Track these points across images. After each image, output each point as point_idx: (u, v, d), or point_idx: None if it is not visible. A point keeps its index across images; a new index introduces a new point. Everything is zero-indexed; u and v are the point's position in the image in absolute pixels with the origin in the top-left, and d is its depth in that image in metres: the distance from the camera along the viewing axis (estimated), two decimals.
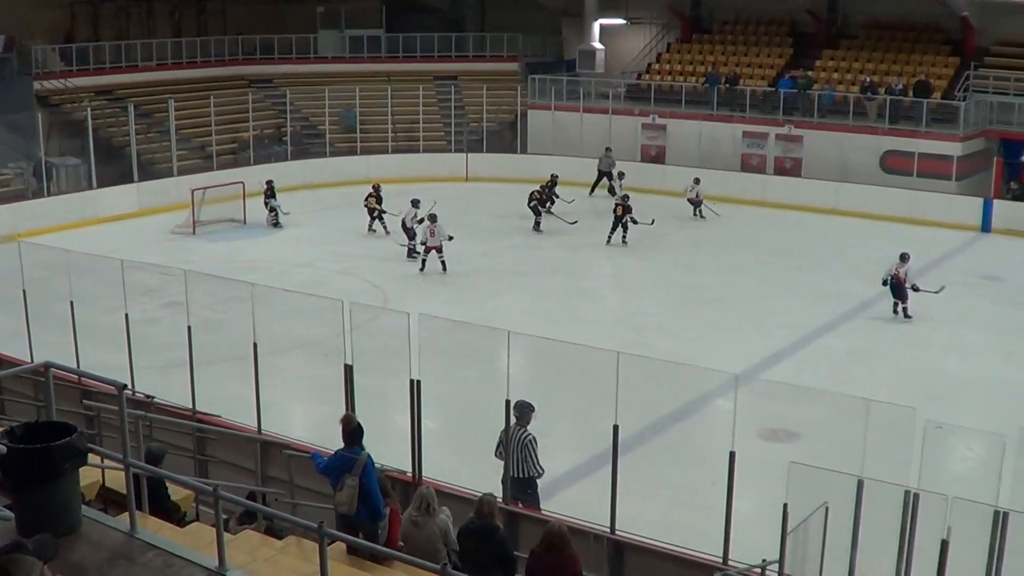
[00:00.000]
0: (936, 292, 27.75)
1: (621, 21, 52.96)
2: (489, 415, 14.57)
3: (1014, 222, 38.38)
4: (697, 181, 38.89)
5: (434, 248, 31.08)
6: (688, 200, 38.93)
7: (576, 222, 36.91)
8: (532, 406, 14.74)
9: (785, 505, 11.39)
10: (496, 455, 14.76)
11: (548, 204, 37.85)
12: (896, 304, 27.71)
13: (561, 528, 10.76)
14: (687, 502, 17.09)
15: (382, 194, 36.09)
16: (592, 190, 43.15)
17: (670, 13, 52.29)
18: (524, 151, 47.26)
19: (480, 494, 11.57)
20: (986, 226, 38.77)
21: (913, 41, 46.89)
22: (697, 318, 27.62)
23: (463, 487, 13.88)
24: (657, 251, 34.77)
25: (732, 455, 12.35)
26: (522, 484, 14.76)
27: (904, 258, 27.61)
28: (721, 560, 12.66)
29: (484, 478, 14.09)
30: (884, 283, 27.73)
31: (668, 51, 51.54)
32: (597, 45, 50.96)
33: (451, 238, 31.21)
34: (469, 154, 46.10)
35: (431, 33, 52.97)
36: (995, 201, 39.24)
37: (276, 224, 36.43)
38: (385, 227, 35.49)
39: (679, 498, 17.42)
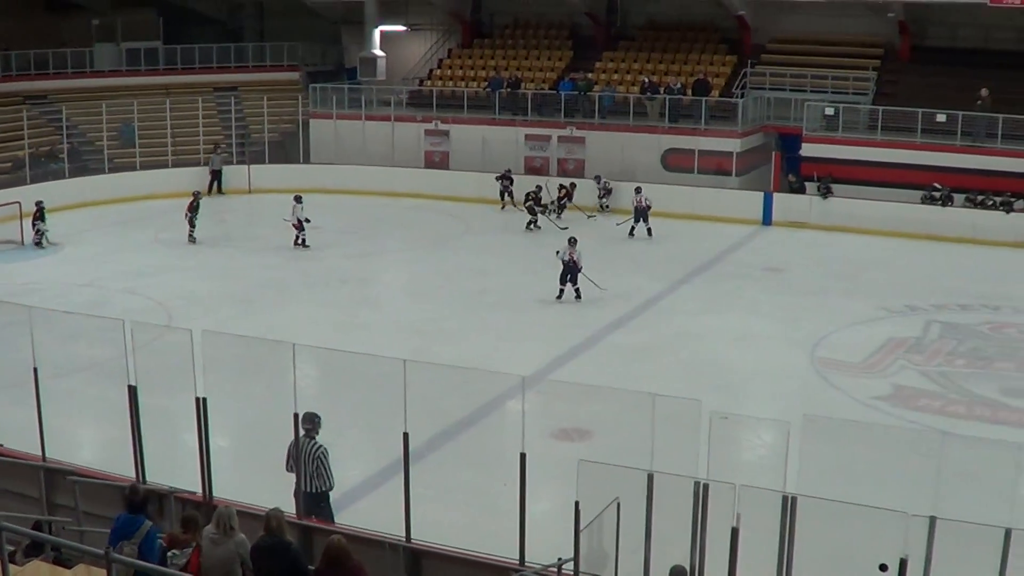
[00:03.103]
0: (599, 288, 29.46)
1: (402, 28, 52.88)
2: (279, 430, 14.37)
3: (793, 214, 39.50)
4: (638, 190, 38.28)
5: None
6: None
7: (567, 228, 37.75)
8: (319, 416, 14.67)
9: (577, 503, 11.49)
10: (287, 469, 14.63)
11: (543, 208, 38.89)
12: (562, 291, 29.00)
13: (340, 542, 10.66)
14: (482, 506, 17.05)
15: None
16: (209, 190, 42.94)
17: (450, 19, 52.44)
18: (307, 161, 46.88)
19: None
20: (767, 219, 39.77)
21: (691, 41, 47.91)
22: (486, 322, 27.63)
23: (257, 504, 13.70)
24: (443, 257, 34.79)
25: (523, 456, 12.38)
26: (315, 498, 14.64)
27: (572, 242, 29.04)
28: (518, 562, 12.73)
29: (277, 494, 13.85)
30: (557, 252, 29.15)
31: (449, 57, 51.59)
32: (378, 52, 50.75)
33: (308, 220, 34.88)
34: (251, 166, 45.44)
35: (210, 44, 52.17)
36: (775, 195, 40.32)
37: (39, 244, 35.41)
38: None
39: (474, 502, 17.38)
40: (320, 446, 14.53)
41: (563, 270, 28.77)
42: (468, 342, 25.69)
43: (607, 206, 40.33)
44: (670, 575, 10.96)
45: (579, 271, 28.81)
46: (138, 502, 11.75)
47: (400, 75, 51.60)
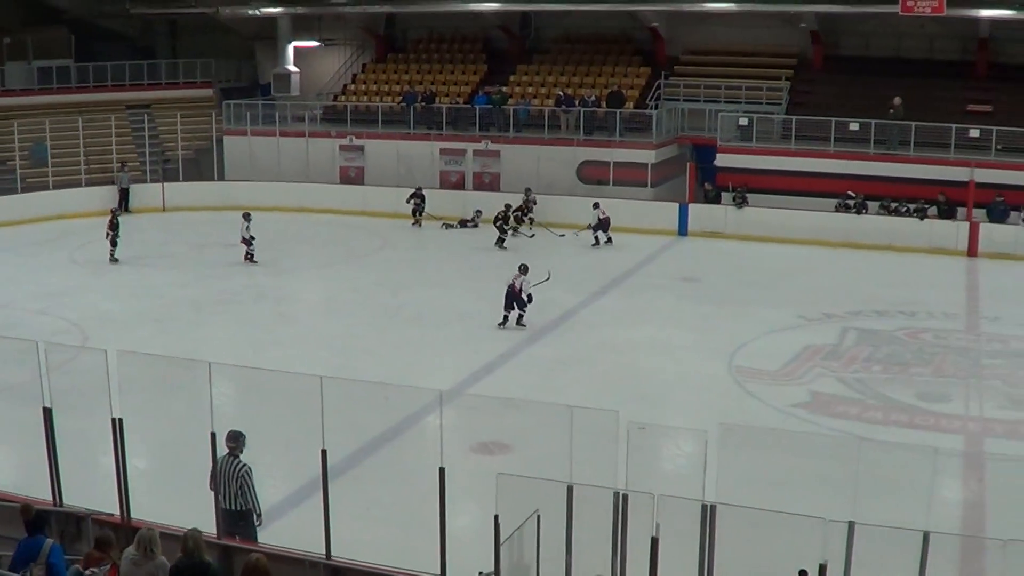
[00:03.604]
0: (546, 280, 29.22)
1: (315, 43, 52.80)
2: (197, 449, 14.23)
3: (709, 224, 39.82)
4: (596, 205, 38.57)
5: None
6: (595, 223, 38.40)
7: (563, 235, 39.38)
8: (243, 434, 14.52)
9: (496, 516, 11.48)
10: (211, 487, 14.48)
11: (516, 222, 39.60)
12: (506, 317, 27.95)
13: (259, 561, 10.54)
14: (402, 522, 16.91)
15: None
16: (121, 209, 41.54)
17: (363, 34, 52.31)
18: (222, 178, 46.43)
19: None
20: (683, 229, 40.04)
21: (605, 53, 48.13)
22: (403, 337, 27.47)
23: (177, 525, 13.55)
24: (360, 272, 34.63)
25: (442, 471, 12.35)
26: (236, 517, 14.47)
27: (523, 269, 28.13)
28: None
29: (198, 514, 13.70)
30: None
31: (363, 72, 51.45)
32: (292, 68, 50.67)
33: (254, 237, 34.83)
34: (165, 183, 45.00)
35: (122, 62, 51.54)
36: (690, 205, 40.57)
37: None
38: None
39: (394, 518, 17.23)
40: (244, 465, 14.36)
41: (507, 296, 28.08)
42: (386, 357, 25.52)
43: (532, 220, 40.36)
44: None
45: (521, 297, 27.82)
46: (32, 522, 11.58)
47: (314, 91, 51.54)
